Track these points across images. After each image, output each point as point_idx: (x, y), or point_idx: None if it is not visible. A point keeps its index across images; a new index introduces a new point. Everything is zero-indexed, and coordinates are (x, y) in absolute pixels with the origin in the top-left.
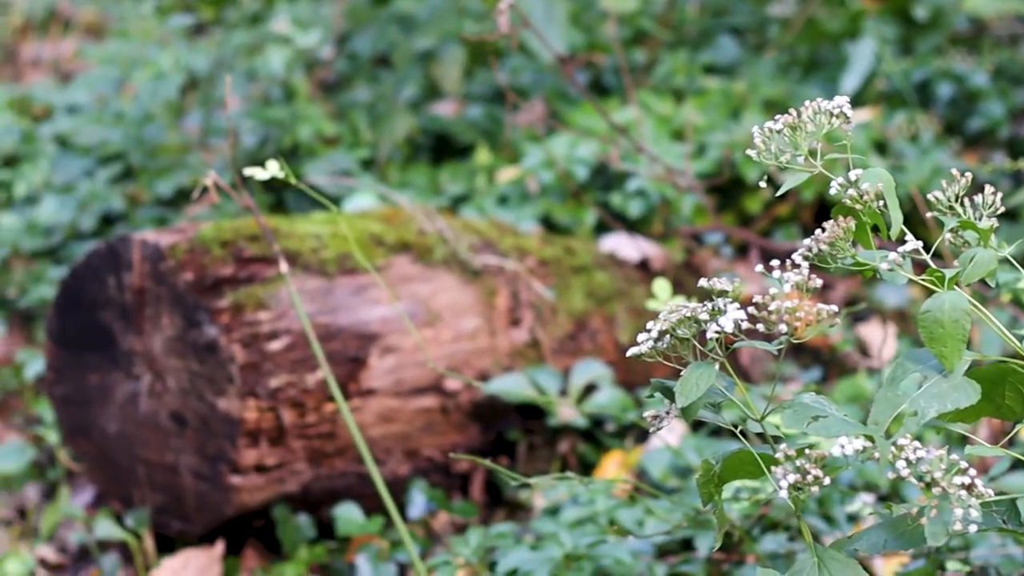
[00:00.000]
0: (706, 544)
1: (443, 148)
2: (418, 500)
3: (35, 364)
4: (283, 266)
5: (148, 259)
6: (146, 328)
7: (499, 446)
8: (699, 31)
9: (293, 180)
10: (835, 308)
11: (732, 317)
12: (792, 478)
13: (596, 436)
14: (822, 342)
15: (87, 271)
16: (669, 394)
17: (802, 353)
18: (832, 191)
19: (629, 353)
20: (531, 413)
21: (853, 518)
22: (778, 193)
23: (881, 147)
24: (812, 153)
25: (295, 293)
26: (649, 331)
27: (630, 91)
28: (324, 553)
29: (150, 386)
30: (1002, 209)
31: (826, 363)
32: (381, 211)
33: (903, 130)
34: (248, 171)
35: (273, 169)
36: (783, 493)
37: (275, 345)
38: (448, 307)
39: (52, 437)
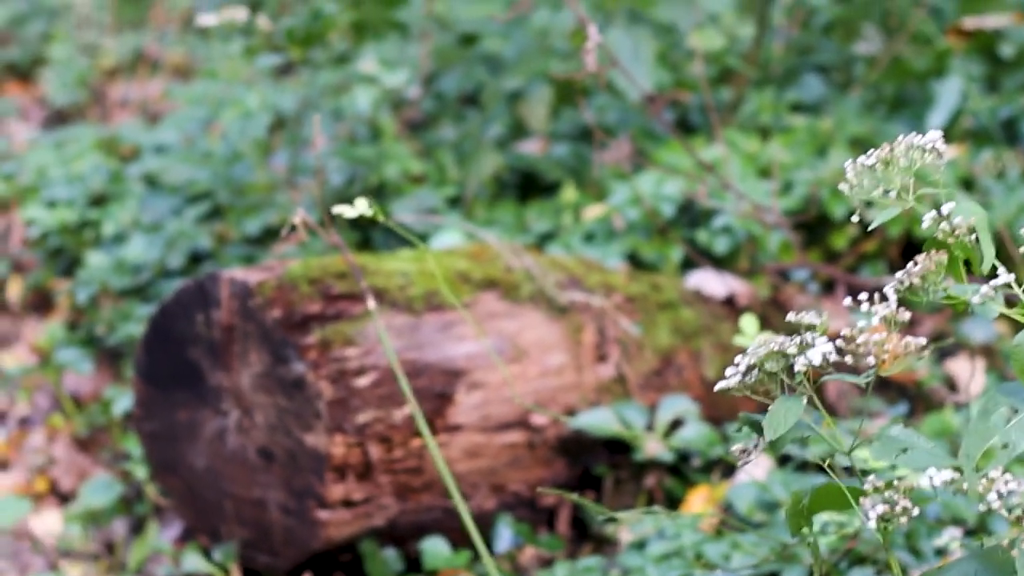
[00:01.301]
0: None
1: (529, 186)
2: (504, 534)
3: (123, 401)
4: (371, 303)
5: (237, 296)
6: (234, 364)
7: (585, 481)
8: (785, 69)
9: (381, 218)
10: (923, 341)
11: (820, 351)
12: (880, 509)
13: (682, 471)
14: (909, 378)
15: (176, 308)
16: (757, 428)
17: (889, 389)
18: (924, 225)
19: (717, 387)
20: (617, 448)
21: (941, 552)
22: (869, 228)
23: (968, 184)
24: (903, 189)
25: (382, 329)
26: (737, 365)
27: (717, 129)
28: None
29: (238, 422)
30: None
31: (913, 398)
32: (468, 248)
33: (989, 167)
34: (336, 209)
35: (361, 207)
36: (871, 524)
37: (362, 381)
38: (534, 343)
39: (140, 472)
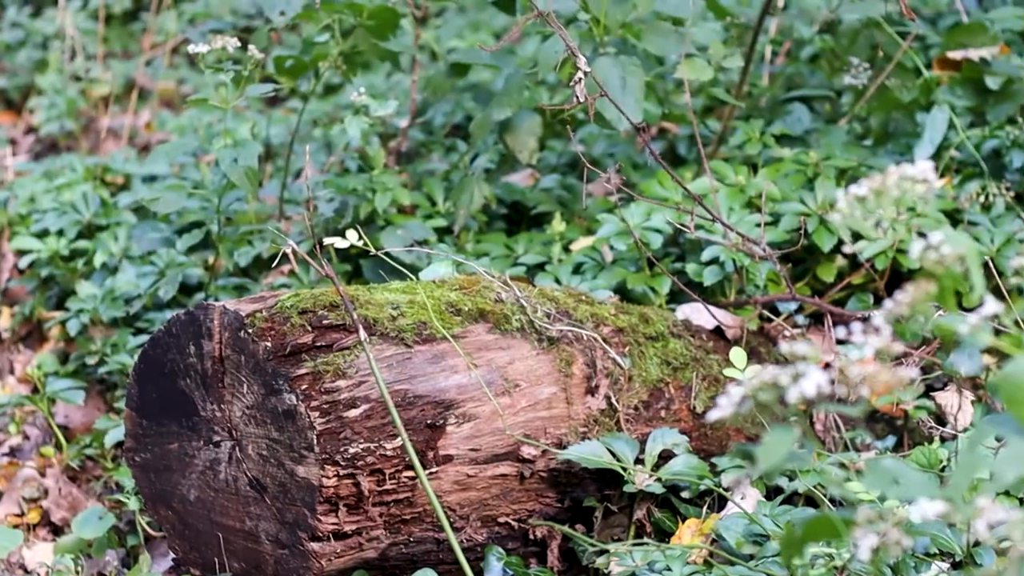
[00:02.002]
0: None
1: (518, 217)
2: (495, 567)
3: (115, 432)
4: (362, 334)
5: (228, 327)
6: (226, 396)
7: (575, 513)
8: (771, 101)
9: (372, 249)
10: (915, 372)
11: (814, 381)
12: (873, 541)
13: (672, 503)
14: (896, 410)
15: (167, 339)
16: (750, 458)
17: (876, 421)
18: (913, 255)
19: (711, 418)
20: (607, 481)
21: None
22: (861, 259)
23: (954, 216)
24: (894, 220)
25: (374, 361)
26: (730, 395)
27: (704, 160)
28: None
29: (230, 453)
30: None
31: (900, 431)
32: (458, 280)
33: (975, 199)
34: (327, 240)
35: (352, 238)
36: (863, 556)
37: (353, 413)
38: (524, 375)
39: (132, 504)
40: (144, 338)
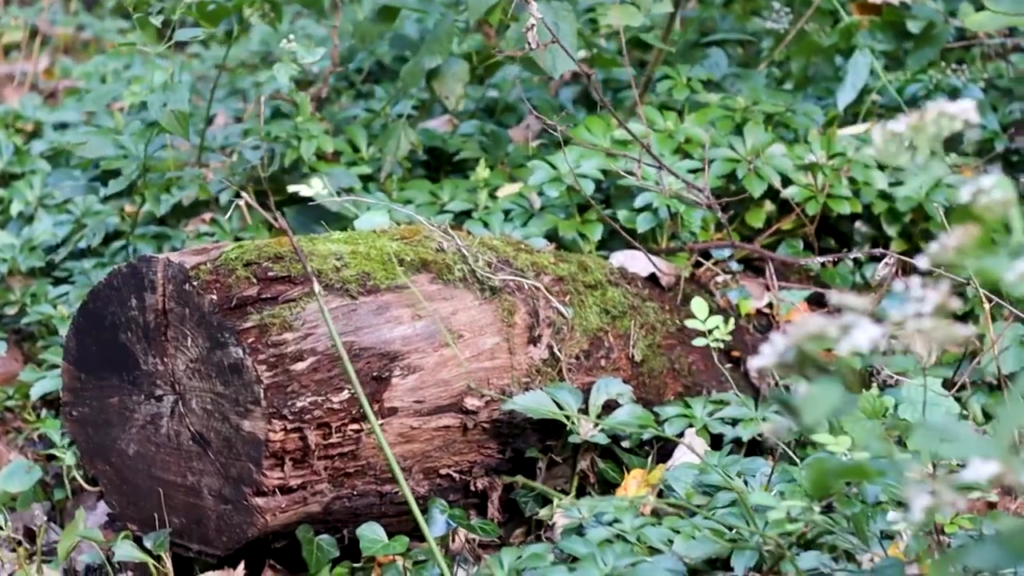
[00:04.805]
0: (742, 563)
1: (436, 164)
2: (439, 519)
3: (41, 384)
4: (316, 287)
5: (172, 280)
6: (169, 349)
7: (517, 465)
8: (684, 46)
9: (336, 197)
10: (973, 329)
11: (867, 335)
12: (926, 501)
13: (616, 454)
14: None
15: (108, 292)
16: (790, 409)
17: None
18: (963, 198)
19: (754, 366)
20: (549, 431)
21: (888, 536)
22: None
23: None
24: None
25: (327, 313)
26: (774, 345)
27: (639, 105)
28: (347, 574)
29: (172, 408)
30: None
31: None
32: (399, 229)
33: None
34: (293, 187)
35: (317, 186)
36: (917, 516)
37: (300, 366)
38: (467, 326)
39: (68, 459)
40: (64, 288)
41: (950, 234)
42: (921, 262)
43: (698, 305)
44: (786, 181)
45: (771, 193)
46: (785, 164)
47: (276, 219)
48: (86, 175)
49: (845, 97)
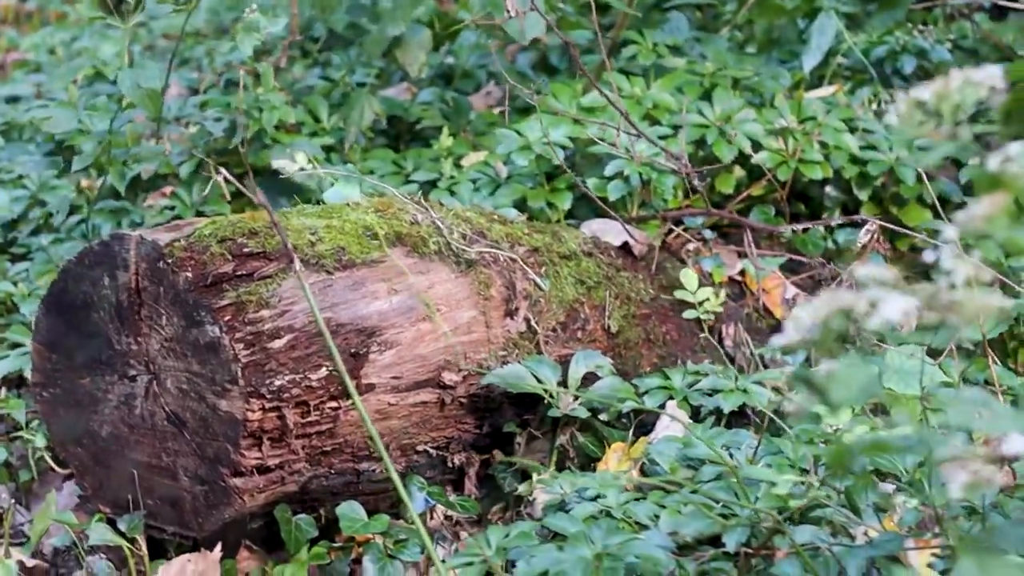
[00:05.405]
0: (735, 539)
1: (396, 133)
2: (417, 497)
3: (3, 363)
4: (297, 264)
5: (146, 258)
6: (143, 328)
7: (495, 440)
8: (646, 10)
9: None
10: (1010, 303)
11: (897, 307)
12: (965, 478)
13: (595, 427)
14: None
15: (79, 270)
16: (812, 386)
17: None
18: (993, 167)
19: (777, 343)
20: (527, 405)
21: (881, 509)
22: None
23: (849, 123)
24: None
25: (307, 288)
26: (799, 321)
27: (609, 70)
28: (325, 553)
29: (146, 388)
30: None
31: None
32: (373, 202)
33: (868, 106)
34: (277, 163)
35: (301, 160)
36: (956, 493)
37: (277, 343)
38: (444, 299)
39: (38, 441)
40: (24, 265)
41: (979, 202)
42: (949, 231)
43: (687, 277)
44: (756, 146)
45: (741, 159)
46: (755, 129)
47: (255, 192)
48: (40, 149)
49: (811, 60)
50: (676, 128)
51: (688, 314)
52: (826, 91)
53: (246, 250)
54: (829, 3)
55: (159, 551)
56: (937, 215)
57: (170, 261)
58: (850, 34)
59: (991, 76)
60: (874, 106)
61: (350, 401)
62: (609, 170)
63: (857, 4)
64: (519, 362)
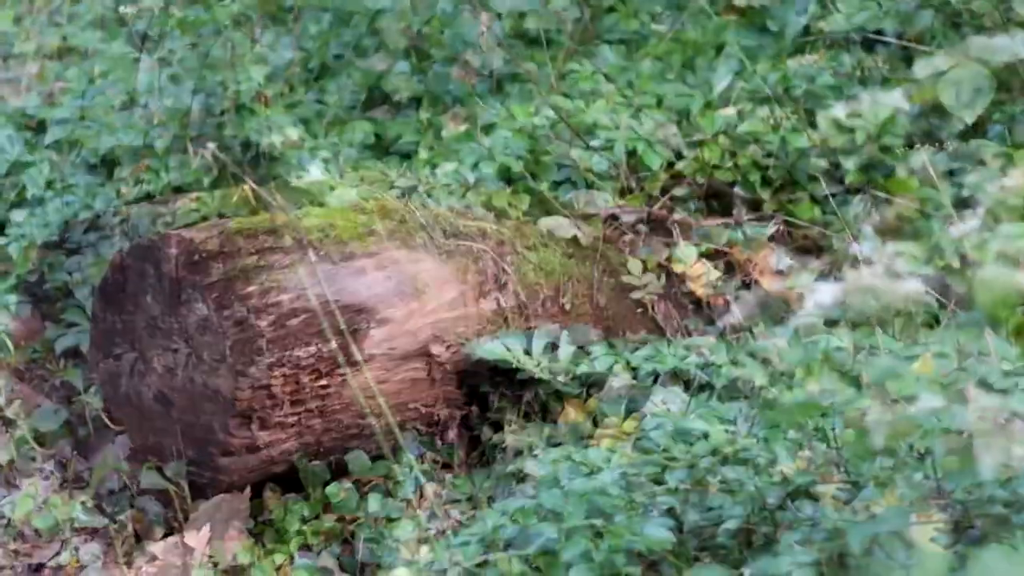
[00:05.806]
0: (676, 477)
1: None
2: (412, 447)
3: (63, 340)
4: (312, 256)
5: (184, 253)
6: (182, 311)
7: (472, 398)
8: (580, 41)
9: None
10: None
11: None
12: (997, 456)
13: (556, 387)
14: (718, 300)
15: (129, 262)
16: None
17: (701, 309)
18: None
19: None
20: (501, 371)
21: (880, 483)
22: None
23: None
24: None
25: (321, 277)
26: (819, 299)
27: (556, 92)
28: (338, 492)
29: (186, 359)
30: None
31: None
32: (369, 205)
33: (766, 122)
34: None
35: (316, 173)
36: (987, 473)
37: (294, 321)
38: (432, 280)
39: (91, 402)
40: (76, 258)
41: (1014, 175)
42: (984, 200)
43: (634, 265)
44: (678, 155)
45: (666, 166)
46: (677, 141)
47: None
48: (85, 162)
49: (721, 84)
50: (611, 142)
51: (636, 295)
52: (732, 110)
53: (267, 245)
54: (733, 37)
55: (199, 493)
56: (824, 210)
57: (204, 255)
58: (750, 63)
59: (895, 98)
60: (771, 121)
61: (357, 368)
62: (559, 176)
63: (756, 37)
64: (495, 337)
